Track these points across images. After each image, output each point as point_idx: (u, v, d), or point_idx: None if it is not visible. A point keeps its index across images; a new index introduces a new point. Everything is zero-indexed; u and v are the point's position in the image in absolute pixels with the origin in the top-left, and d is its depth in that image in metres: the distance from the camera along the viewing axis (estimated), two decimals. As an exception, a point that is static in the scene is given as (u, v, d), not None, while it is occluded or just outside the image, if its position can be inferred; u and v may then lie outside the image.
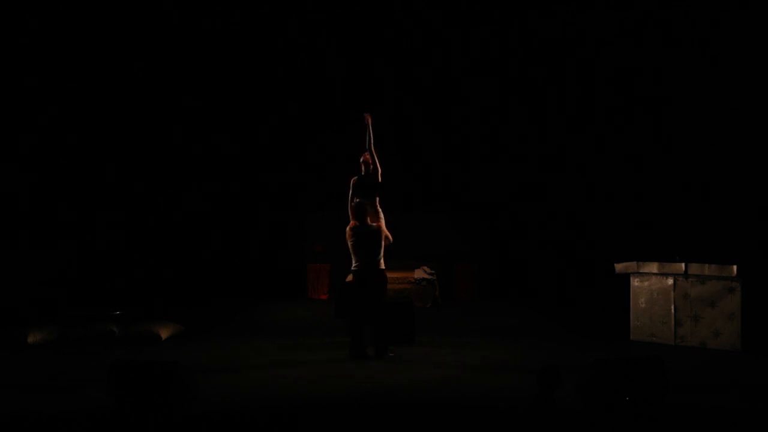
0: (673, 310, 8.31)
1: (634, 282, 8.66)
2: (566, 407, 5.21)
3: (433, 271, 11.80)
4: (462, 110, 13.33)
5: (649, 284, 8.52)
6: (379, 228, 7.65)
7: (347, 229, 7.70)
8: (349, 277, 8.38)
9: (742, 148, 11.28)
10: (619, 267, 8.82)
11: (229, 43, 12.94)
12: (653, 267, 8.49)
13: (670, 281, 8.35)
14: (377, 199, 8.07)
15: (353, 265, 7.67)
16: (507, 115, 13.18)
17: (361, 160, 8.16)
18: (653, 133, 12.23)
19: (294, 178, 13.51)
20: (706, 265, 8.09)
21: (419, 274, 11.62)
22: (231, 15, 12.80)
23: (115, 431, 5.17)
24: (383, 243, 7.64)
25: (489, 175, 13.38)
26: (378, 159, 8.15)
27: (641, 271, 8.57)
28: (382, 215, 8.05)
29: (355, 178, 8.11)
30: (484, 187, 13.42)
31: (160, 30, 12.52)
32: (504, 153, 13.31)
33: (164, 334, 8.49)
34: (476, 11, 12.81)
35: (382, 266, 7.67)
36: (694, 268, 8.17)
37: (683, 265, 8.24)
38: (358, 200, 7.77)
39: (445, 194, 13.53)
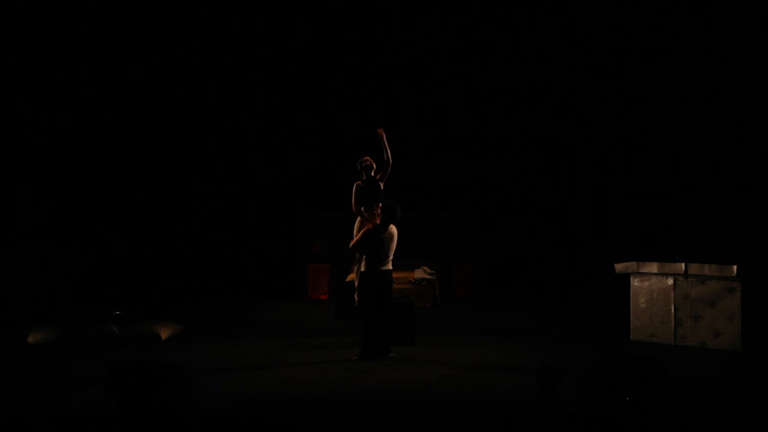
0: (673, 310, 8.31)
1: (634, 282, 8.66)
2: (566, 407, 5.22)
3: (433, 271, 11.80)
4: (462, 110, 13.34)
5: (649, 284, 8.52)
6: (393, 231, 7.62)
7: (368, 230, 7.56)
8: (350, 277, 8.34)
9: (742, 147, 11.28)
10: (619, 267, 8.82)
11: (229, 42, 12.94)
12: (653, 267, 8.49)
13: (670, 281, 8.35)
14: (380, 205, 7.90)
15: (368, 265, 7.57)
16: (507, 116, 13.19)
17: (363, 165, 7.86)
18: (653, 133, 12.23)
19: (294, 178, 13.52)
20: (706, 265, 8.09)
21: (419, 274, 11.62)
22: (231, 13, 12.81)
23: (115, 431, 5.17)
24: (394, 246, 7.64)
25: (489, 175, 13.39)
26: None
27: (641, 271, 8.57)
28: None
29: (359, 183, 7.84)
30: (484, 187, 13.44)
31: (156, 27, 12.51)
32: (504, 153, 13.32)
33: (164, 334, 8.49)
34: (479, 11, 12.82)
35: (390, 267, 7.67)
36: (694, 268, 8.17)
37: (683, 265, 8.24)
38: (389, 201, 7.64)
39: (445, 194, 13.54)
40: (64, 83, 11.76)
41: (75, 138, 12.02)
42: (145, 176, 12.91)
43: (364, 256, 7.61)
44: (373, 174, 7.85)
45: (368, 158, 7.90)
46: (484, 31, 12.90)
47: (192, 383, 5.51)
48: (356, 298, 7.74)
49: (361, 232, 7.59)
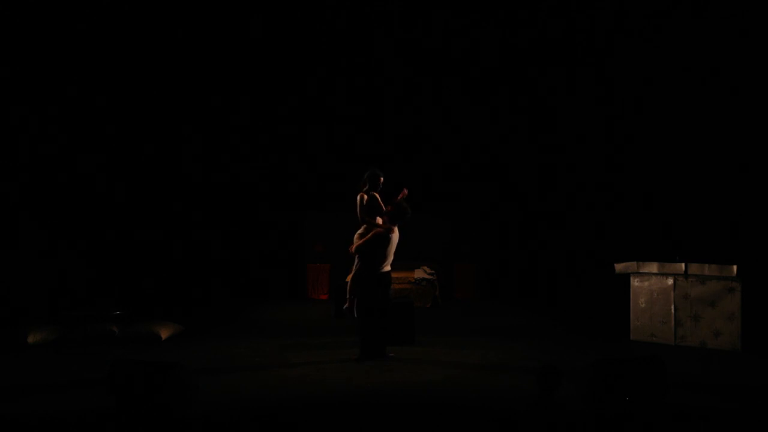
0: (673, 310, 8.31)
1: (634, 282, 8.66)
2: (566, 407, 5.21)
3: (433, 271, 11.81)
4: (462, 110, 13.34)
5: (649, 284, 8.52)
6: (395, 232, 7.62)
7: (378, 232, 7.51)
8: (349, 278, 8.31)
9: (742, 147, 11.28)
10: (619, 267, 8.82)
11: (228, 43, 12.94)
12: (653, 267, 8.49)
13: (670, 281, 8.35)
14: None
15: (371, 267, 7.50)
16: (506, 116, 13.19)
17: (376, 182, 7.69)
18: (653, 132, 12.23)
19: (294, 178, 13.52)
20: (706, 265, 8.09)
21: (419, 274, 11.63)
22: (231, 14, 12.80)
23: (115, 431, 5.17)
24: (395, 247, 7.65)
25: (489, 175, 13.39)
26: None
27: (641, 271, 8.58)
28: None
29: (364, 196, 7.68)
30: (484, 188, 13.43)
31: (156, 27, 12.50)
32: (504, 153, 13.32)
33: (164, 334, 8.49)
34: (482, 11, 12.82)
35: (389, 268, 7.67)
36: (694, 268, 8.18)
37: (683, 265, 8.24)
38: (398, 201, 7.59)
39: (445, 194, 13.54)
40: (61, 84, 11.75)
41: (75, 137, 12.01)
42: (146, 176, 12.90)
43: (363, 260, 7.57)
44: (374, 193, 7.77)
45: (382, 178, 7.77)
46: (485, 32, 12.88)
47: (192, 383, 5.51)
48: (345, 308, 7.70)
49: (371, 233, 7.55)
